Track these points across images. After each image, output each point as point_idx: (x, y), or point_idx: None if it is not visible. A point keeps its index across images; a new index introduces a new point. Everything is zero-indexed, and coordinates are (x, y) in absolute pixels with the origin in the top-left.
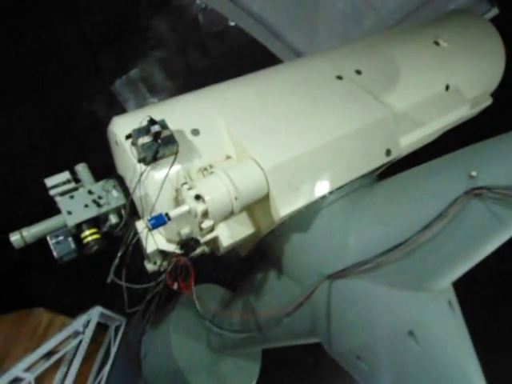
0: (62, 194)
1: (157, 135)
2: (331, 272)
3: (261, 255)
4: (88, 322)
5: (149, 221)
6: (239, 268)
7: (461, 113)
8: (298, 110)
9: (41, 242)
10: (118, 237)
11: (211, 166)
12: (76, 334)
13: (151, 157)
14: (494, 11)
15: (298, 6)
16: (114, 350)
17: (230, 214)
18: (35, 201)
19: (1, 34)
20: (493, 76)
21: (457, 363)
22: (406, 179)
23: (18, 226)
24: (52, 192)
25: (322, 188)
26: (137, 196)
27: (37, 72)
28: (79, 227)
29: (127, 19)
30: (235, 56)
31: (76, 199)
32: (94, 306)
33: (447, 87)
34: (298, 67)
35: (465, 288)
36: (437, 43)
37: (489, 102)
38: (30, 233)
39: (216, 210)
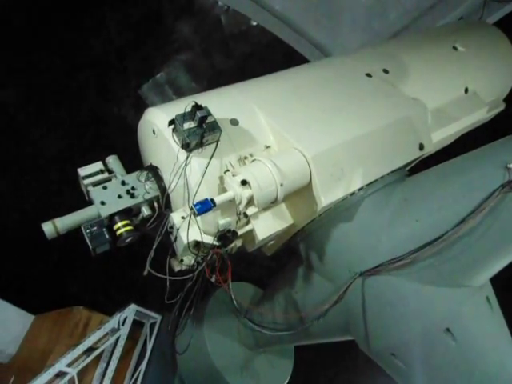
0: (95, 184)
1: (202, 120)
2: (364, 269)
3: (290, 253)
4: (124, 319)
5: (194, 206)
6: (268, 266)
7: (479, 115)
8: (332, 103)
9: (78, 243)
10: (148, 231)
11: (251, 155)
12: (113, 331)
13: (196, 142)
14: None
15: (319, 1)
16: (149, 346)
17: (272, 203)
18: (70, 203)
19: (32, 42)
20: (506, 81)
21: (496, 361)
22: (438, 173)
23: None
24: (85, 182)
25: (361, 179)
26: (175, 185)
27: (65, 78)
28: (112, 219)
29: (152, 23)
30: (259, 55)
31: (109, 190)
32: (130, 303)
33: (466, 90)
34: (327, 65)
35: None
36: (455, 48)
37: (502, 106)
38: (63, 223)
39: (262, 196)
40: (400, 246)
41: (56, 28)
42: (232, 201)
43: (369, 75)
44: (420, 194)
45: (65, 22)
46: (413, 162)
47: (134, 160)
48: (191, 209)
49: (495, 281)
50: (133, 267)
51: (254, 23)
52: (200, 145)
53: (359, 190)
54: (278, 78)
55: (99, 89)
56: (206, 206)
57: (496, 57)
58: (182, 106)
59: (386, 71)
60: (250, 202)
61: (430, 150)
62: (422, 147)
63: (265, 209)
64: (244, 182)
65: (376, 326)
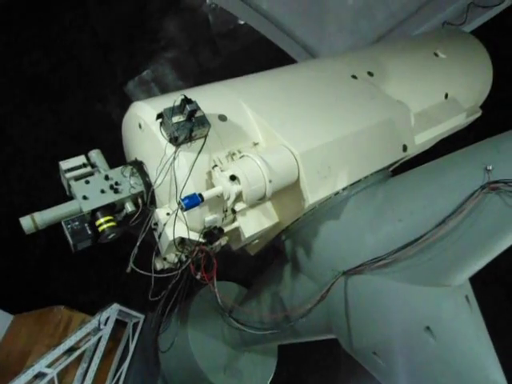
0: (77, 178)
1: (192, 114)
2: (347, 268)
3: (275, 252)
4: (107, 319)
5: (182, 200)
6: (253, 265)
7: (458, 120)
8: (319, 103)
9: (59, 242)
10: (131, 227)
11: (239, 152)
12: (95, 330)
13: (184, 136)
14: (508, 2)
15: (307, 2)
16: (132, 346)
17: (260, 199)
18: (54, 203)
19: (15, 40)
20: (482, 89)
21: (475, 358)
22: (420, 174)
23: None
24: (67, 175)
25: (347, 178)
26: (162, 180)
27: (51, 75)
28: (94, 214)
29: (138, 21)
30: (246, 54)
31: (92, 184)
32: (112, 303)
33: (446, 96)
34: (313, 66)
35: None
36: (436, 54)
37: (479, 113)
38: (43, 217)
39: (250, 192)
40: (382, 246)
41: (40, 23)
42: (220, 197)
43: (354, 77)
44: (403, 195)
45: (49, 17)
46: (396, 162)
47: (119, 158)
48: (179, 203)
49: (474, 280)
50: (115, 266)
51: (242, 22)
52: (189, 139)
53: (343, 189)
54: (265, 77)
55: (83, 85)
56: (193, 201)
57: (474, 65)
58: (169, 100)
59: (370, 74)
60: (238, 197)
61: (413, 151)
62: (405, 148)
63: (251, 207)
64: (233, 178)
65: (358, 325)
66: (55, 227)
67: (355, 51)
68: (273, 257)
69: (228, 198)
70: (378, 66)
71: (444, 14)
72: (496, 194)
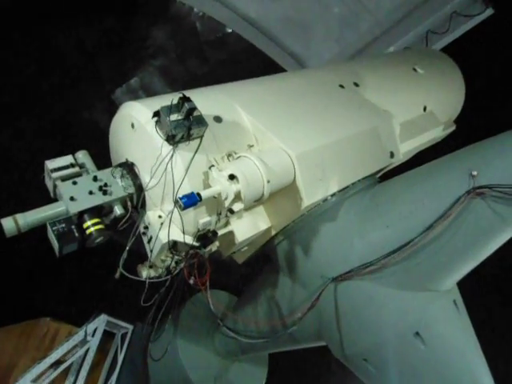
0: (64, 179)
1: (190, 112)
2: (336, 274)
3: (264, 259)
4: (94, 330)
5: (180, 198)
6: (243, 273)
7: (436, 133)
8: (311, 109)
9: (45, 252)
10: (118, 234)
11: (235, 153)
12: (83, 342)
13: (182, 135)
14: (489, 11)
15: (294, 11)
16: (121, 357)
17: (256, 201)
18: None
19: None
20: (456, 104)
21: (464, 362)
22: (407, 180)
23: (23, 238)
24: (54, 175)
25: (340, 182)
26: (159, 180)
27: (37, 82)
28: (81, 217)
29: (126, 28)
30: (234, 62)
31: (79, 185)
32: (100, 313)
33: (425, 109)
34: (302, 75)
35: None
36: (415, 70)
37: (453, 127)
38: (26, 219)
39: (249, 191)
40: (371, 252)
41: (27, 30)
42: (216, 197)
43: (342, 86)
44: (390, 201)
45: (35, 24)
46: (382, 170)
47: (106, 166)
48: (176, 202)
49: (462, 284)
50: (103, 276)
51: (230, 30)
52: (187, 137)
53: (332, 196)
54: (257, 83)
55: (70, 93)
56: (192, 200)
57: (448, 81)
58: (160, 101)
59: (356, 84)
60: (236, 198)
61: (399, 158)
62: (392, 155)
63: (244, 211)
64: (232, 177)
65: (348, 332)
66: (41, 236)
67: (341, 63)
68: (262, 264)
69: (226, 198)
70: (364, 77)
71: (429, 21)
72: (481, 199)
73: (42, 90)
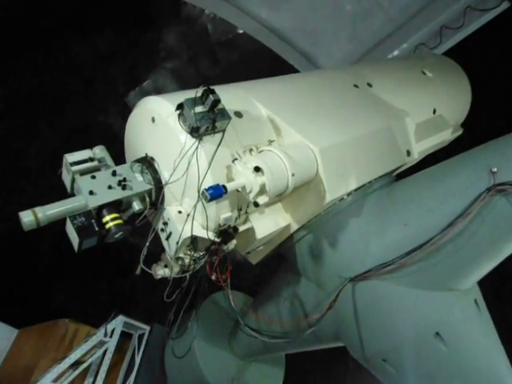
0: (82, 173)
1: (215, 104)
2: (354, 275)
3: (280, 259)
4: (112, 331)
5: (206, 190)
6: (257, 273)
7: (445, 135)
8: (328, 106)
9: (63, 253)
10: (135, 234)
11: (257, 148)
12: (101, 343)
13: (206, 127)
14: (505, 5)
15: (305, 10)
16: (138, 358)
17: (280, 195)
18: None
19: (15, 53)
20: (463, 107)
21: (486, 363)
22: (425, 178)
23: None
24: (73, 168)
25: (360, 178)
26: (183, 174)
27: (52, 87)
28: (100, 211)
29: (138, 31)
30: (245, 63)
31: (98, 180)
32: (118, 315)
33: (434, 111)
34: (317, 75)
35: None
36: (424, 73)
37: (460, 131)
38: (45, 212)
39: (274, 184)
40: (389, 251)
41: (42, 35)
42: (239, 191)
43: (356, 86)
44: (408, 199)
45: (50, 30)
46: (398, 169)
47: None
48: (202, 193)
49: (483, 283)
50: (121, 277)
51: (241, 31)
52: (212, 129)
53: (348, 195)
54: (274, 81)
55: (85, 96)
56: (218, 192)
57: (455, 84)
58: (177, 97)
59: (370, 85)
60: (262, 190)
61: (414, 157)
62: (408, 153)
63: (264, 208)
64: (257, 169)
65: (367, 332)
66: (60, 237)
67: (352, 65)
68: (277, 264)
69: (250, 191)
70: (376, 78)
71: (441, 17)
72: (502, 196)
73: (55, 93)
